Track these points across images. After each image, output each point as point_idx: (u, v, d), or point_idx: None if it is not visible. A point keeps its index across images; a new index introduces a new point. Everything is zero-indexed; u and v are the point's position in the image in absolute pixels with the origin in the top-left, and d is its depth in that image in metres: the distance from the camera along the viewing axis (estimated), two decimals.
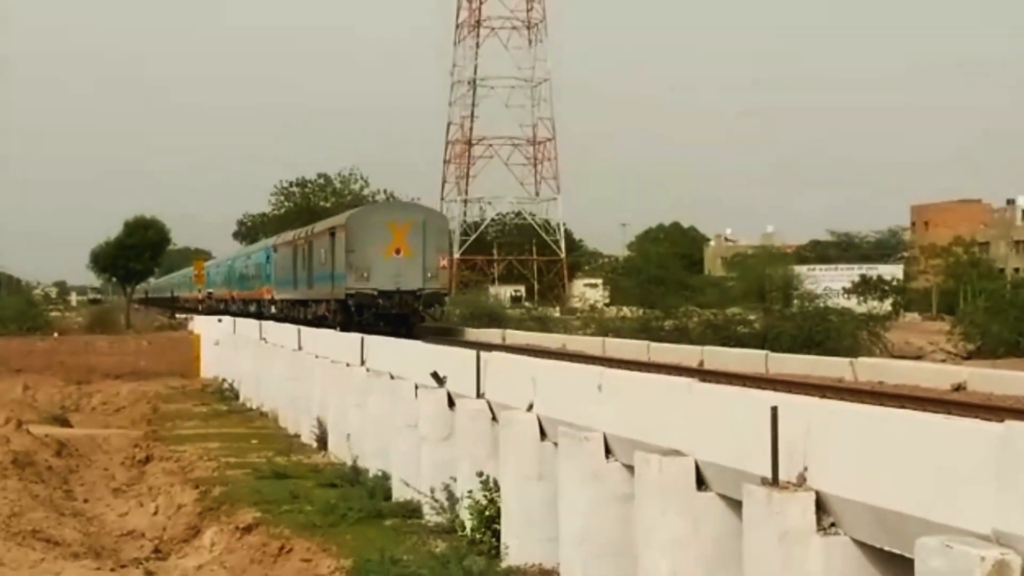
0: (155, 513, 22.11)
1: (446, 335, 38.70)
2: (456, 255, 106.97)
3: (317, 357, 28.61)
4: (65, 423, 36.51)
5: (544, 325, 57.69)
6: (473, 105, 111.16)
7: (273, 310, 49.08)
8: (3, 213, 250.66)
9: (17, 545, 17.59)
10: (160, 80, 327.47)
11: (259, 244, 61.06)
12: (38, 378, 48.24)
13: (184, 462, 25.63)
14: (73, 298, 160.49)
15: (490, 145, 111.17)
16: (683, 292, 62.13)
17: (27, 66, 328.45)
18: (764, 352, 29.79)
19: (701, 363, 28.39)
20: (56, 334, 58.52)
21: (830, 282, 70.85)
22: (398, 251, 36.03)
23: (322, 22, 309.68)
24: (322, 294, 39.83)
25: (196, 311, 74.73)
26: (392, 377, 21.22)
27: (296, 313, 43.66)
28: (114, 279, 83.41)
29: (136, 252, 71.80)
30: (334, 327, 34.47)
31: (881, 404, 14.39)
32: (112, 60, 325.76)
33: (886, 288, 72.77)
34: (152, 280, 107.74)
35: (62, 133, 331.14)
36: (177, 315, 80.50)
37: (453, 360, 18.64)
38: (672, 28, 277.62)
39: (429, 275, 36.20)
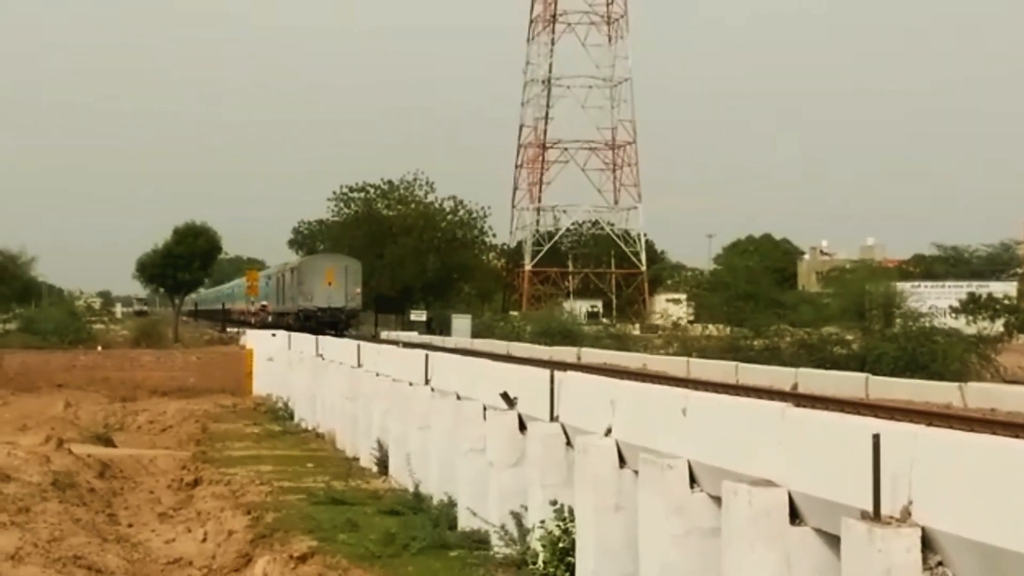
0: (204, 540, 22.29)
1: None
2: (528, 267, 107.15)
3: (378, 375, 28.75)
4: (109, 442, 36.95)
5: (623, 343, 57.71)
6: (548, 106, 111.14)
7: (269, 319, 71.26)
8: (45, 220, 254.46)
9: (57, 572, 17.82)
10: (215, 84, 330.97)
11: (264, 272, 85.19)
12: (80, 394, 48.91)
13: (235, 486, 25.84)
14: (118, 310, 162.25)
15: (565, 149, 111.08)
16: (775, 309, 61.61)
17: (77, 69, 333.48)
18: (864, 375, 29.65)
19: (795, 386, 28.31)
20: (100, 348, 59.27)
21: (936, 300, 70.07)
22: (330, 283, 60.55)
23: (382, 21, 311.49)
24: (289, 308, 64.08)
25: (248, 324, 75.45)
26: (459, 398, 21.26)
27: (279, 321, 65.98)
28: (161, 290, 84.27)
29: (185, 261, 72.46)
30: (295, 330, 52.91)
31: (994, 433, 14.22)
32: (164, 64, 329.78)
33: (998, 307, 71.77)
34: (202, 291, 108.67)
35: (107, 137, 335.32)
36: (228, 329, 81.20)
37: (525, 380, 18.63)
38: (764, 27, 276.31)
39: (349, 298, 60.98)
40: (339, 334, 52.20)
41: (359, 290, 62.17)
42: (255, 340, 54.56)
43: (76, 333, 64.71)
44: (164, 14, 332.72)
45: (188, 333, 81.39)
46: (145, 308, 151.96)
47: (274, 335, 52.24)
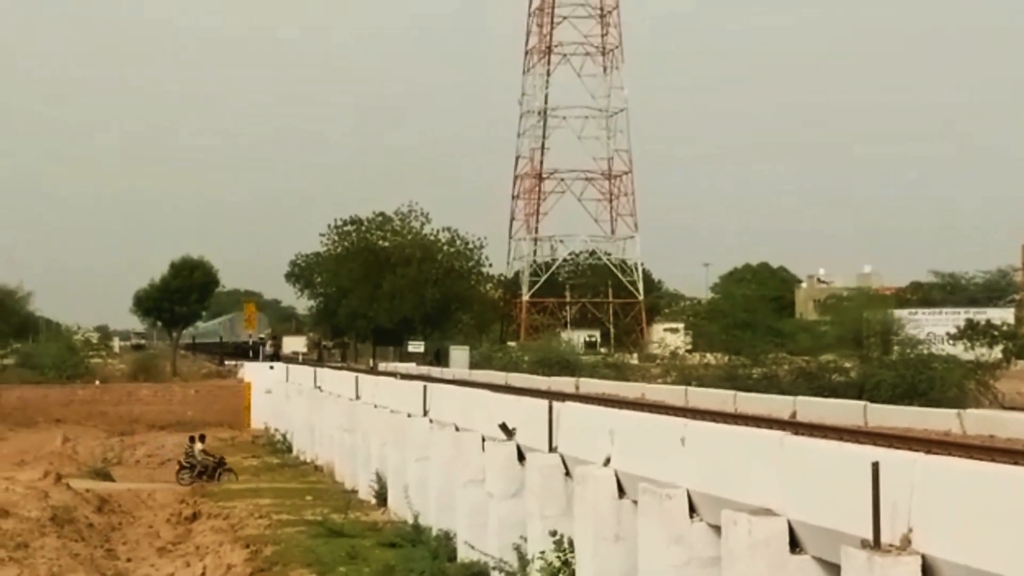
0: (203, 574, 22.23)
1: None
2: (525, 297, 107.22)
3: (376, 407, 28.72)
4: (107, 477, 36.90)
5: (621, 373, 57.63)
6: (544, 137, 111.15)
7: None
8: (42, 254, 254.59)
9: None
10: (210, 115, 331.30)
11: (218, 319, 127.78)
12: (79, 429, 48.88)
13: (234, 519, 25.80)
14: (116, 344, 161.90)
15: (562, 179, 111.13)
16: (772, 338, 61.70)
17: (72, 102, 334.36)
18: (862, 403, 29.55)
19: (793, 415, 28.22)
20: (98, 382, 59.21)
21: (933, 327, 70.12)
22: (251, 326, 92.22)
23: (376, 52, 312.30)
24: (228, 340, 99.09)
25: (246, 356, 75.38)
26: (457, 429, 21.24)
27: (227, 349, 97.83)
28: (159, 323, 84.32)
29: (182, 295, 72.63)
30: (230, 351, 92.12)
31: (993, 460, 14.19)
32: (159, 94, 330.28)
33: (995, 333, 71.85)
34: (200, 324, 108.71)
35: (103, 170, 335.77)
36: (226, 362, 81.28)
37: (523, 410, 18.62)
38: (759, 56, 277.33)
39: (262, 336, 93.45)
40: (255, 356, 78.27)
41: (268, 331, 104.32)
42: (253, 373, 54.54)
43: (74, 367, 64.61)
44: (162, 41, 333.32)
45: (186, 366, 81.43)
46: (143, 342, 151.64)
47: (272, 367, 52.23)
